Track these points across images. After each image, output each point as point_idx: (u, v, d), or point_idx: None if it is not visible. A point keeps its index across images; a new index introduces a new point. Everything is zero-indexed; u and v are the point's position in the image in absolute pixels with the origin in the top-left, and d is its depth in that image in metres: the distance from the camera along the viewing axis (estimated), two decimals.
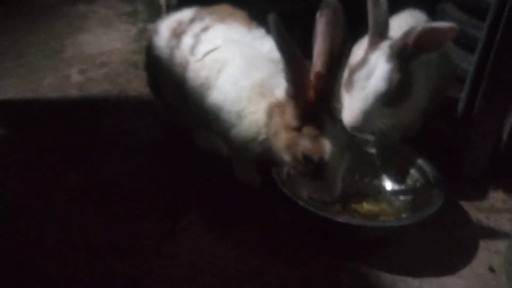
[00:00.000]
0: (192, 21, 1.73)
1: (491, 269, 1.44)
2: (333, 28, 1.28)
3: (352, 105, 1.42)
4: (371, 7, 1.47)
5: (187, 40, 1.68)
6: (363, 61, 1.44)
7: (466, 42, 2.27)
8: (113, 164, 1.84)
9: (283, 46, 1.24)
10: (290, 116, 1.35)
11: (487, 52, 1.56)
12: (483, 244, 1.53)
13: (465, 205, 1.69)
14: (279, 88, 1.40)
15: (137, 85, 2.38)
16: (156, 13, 2.86)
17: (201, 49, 1.63)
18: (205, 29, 1.68)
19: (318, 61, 1.31)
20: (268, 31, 1.62)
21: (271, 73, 1.49)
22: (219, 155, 1.84)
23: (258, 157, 1.55)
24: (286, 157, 1.39)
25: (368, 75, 1.41)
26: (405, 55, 1.42)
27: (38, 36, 2.91)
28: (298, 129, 1.34)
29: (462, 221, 1.62)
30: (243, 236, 1.52)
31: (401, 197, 1.58)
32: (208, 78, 1.58)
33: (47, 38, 2.89)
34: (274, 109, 1.42)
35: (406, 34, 1.42)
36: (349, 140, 1.37)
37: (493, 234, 1.57)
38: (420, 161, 1.62)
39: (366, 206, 1.56)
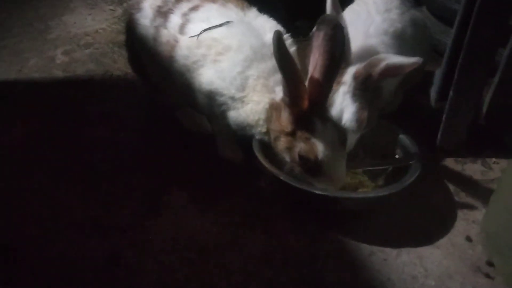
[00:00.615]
0: (178, 0, 1.71)
1: (468, 239, 1.48)
2: (333, 44, 1.33)
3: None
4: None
5: (175, 19, 1.66)
6: (331, 99, 1.49)
7: (448, 16, 2.28)
8: (97, 143, 1.85)
9: (283, 62, 1.30)
10: (285, 121, 1.42)
11: (465, 26, 1.56)
12: (460, 215, 1.56)
13: (444, 176, 1.72)
14: (279, 86, 1.46)
15: (122, 65, 2.37)
16: None
17: (193, 28, 1.61)
18: (194, 8, 1.66)
19: (316, 73, 1.36)
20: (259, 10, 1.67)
21: (274, 67, 1.50)
22: (203, 132, 1.85)
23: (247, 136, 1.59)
24: (287, 158, 1.46)
25: (338, 117, 1.49)
26: (369, 83, 1.48)
27: (23, 17, 2.88)
28: (293, 133, 1.41)
29: (440, 192, 1.65)
30: (225, 210, 1.55)
31: (380, 169, 1.60)
32: (204, 56, 1.57)
33: (31, 19, 2.86)
34: (272, 112, 1.48)
35: (370, 66, 1.46)
36: (341, 136, 1.42)
37: (470, 204, 1.60)
38: (398, 134, 1.64)
39: (345, 179, 1.59)
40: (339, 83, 1.50)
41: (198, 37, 1.58)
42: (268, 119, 1.49)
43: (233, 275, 1.34)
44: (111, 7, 3.04)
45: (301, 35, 2.68)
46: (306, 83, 1.38)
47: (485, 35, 1.54)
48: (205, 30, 1.58)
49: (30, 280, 1.33)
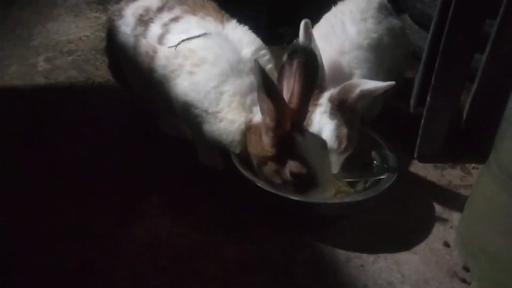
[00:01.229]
0: (160, 9, 1.69)
1: (446, 244, 1.47)
2: (308, 71, 1.33)
3: None
4: None
5: (155, 29, 1.65)
6: (308, 121, 1.49)
7: (429, 23, 2.29)
8: (76, 149, 1.83)
9: (269, 91, 1.29)
10: (268, 145, 1.41)
11: (440, 31, 1.57)
12: (439, 220, 1.56)
13: (423, 182, 1.72)
14: (256, 106, 1.45)
15: (104, 72, 2.35)
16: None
17: (172, 38, 1.60)
18: (175, 19, 1.65)
19: (294, 98, 1.37)
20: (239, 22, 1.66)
21: (251, 84, 1.51)
22: (183, 138, 1.84)
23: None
24: (278, 180, 1.44)
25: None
26: (344, 106, 1.48)
27: (5, 24, 2.86)
28: (278, 155, 1.40)
29: (419, 197, 1.65)
30: (201, 217, 1.53)
31: (357, 175, 1.60)
32: (181, 66, 1.56)
33: (14, 26, 2.83)
34: (251, 133, 1.47)
35: (344, 92, 1.47)
36: (321, 141, 1.43)
37: (449, 210, 1.60)
38: (377, 140, 1.64)
39: None
40: (315, 105, 1.50)
41: (176, 48, 1.57)
42: (247, 142, 1.48)
43: (208, 282, 1.32)
44: (96, 14, 3.03)
45: (285, 42, 2.70)
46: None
47: (460, 40, 1.56)
48: (183, 40, 1.57)
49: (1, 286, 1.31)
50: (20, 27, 2.83)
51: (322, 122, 1.48)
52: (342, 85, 1.48)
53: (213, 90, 1.51)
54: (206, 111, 1.52)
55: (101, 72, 2.37)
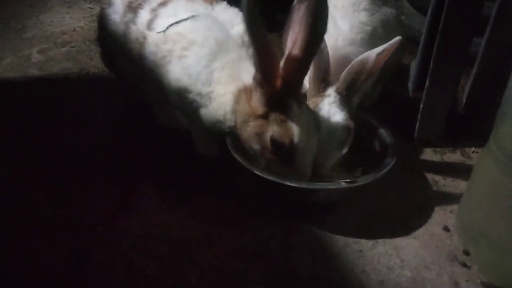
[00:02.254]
0: None
1: (446, 229, 1.46)
2: (316, 17, 1.22)
3: (318, 157, 1.42)
4: None
5: (144, 15, 1.62)
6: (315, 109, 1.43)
7: (427, 7, 2.26)
8: (70, 140, 1.81)
9: (253, 31, 1.20)
10: (257, 102, 1.35)
11: (438, 14, 1.54)
12: (438, 205, 1.54)
13: (423, 167, 1.69)
14: (247, 73, 1.39)
15: (98, 62, 2.32)
16: None
17: (161, 23, 1.57)
18: (163, 4, 1.62)
19: (296, 49, 1.25)
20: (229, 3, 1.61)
21: (240, 57, 1.47)
22: (179, 128, 1.82)
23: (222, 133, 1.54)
24: (255, 145, 1.38)
25: (329, 130, 1.41)
26: (352, 92, 1.44)
27: None
28: (265, 115, 1.34)
29: (418, 182, 1.63)
30: (197, 207, 1.52)
31: (356, 160, 1.57)
32: (170, 52, 1.52)
33: (7, 18, 2.80)
34: (241, 94, 1.41)
35: (356, 68, 1.41)
36: (316, 122, 1.37)
37: (449, 194, 1.58)
38: (375, 124, 1.62)
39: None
40: (323, 96, 1.44)
41: (164, 33, 1.54)
42: (236, 105, 1.42)
43: (205, 271, 1.31)
44: (90, 5, 3.00)
45: (281, 29, 2.66)
46: (282, 62, 1.29)
47: (458, 23, 1.52)
48: (171, 25, 1.54)
49: None
50: (14, 19, 2.80)
51: (331, 112, 1.42)
52: (349, 66, 1.42)
53: (204, 71, 1.47)
54: (200, 93, 1.48)
55: (95, 62, 2.34)
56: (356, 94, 1.49)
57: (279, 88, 1.31)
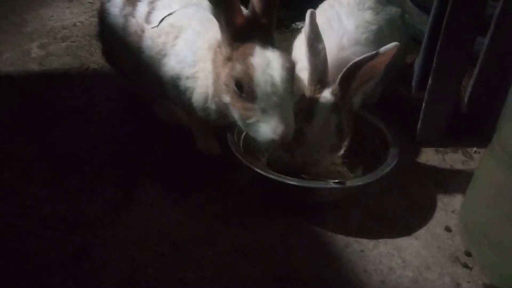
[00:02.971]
0: None
1: (448, 229, 1.45)
2: None
3: (308, 158, 1.41)
4: (309, 54, 1.40)
5: (142, 8, 1.62)
6: (311, 114, 1.39)
7: (430, 6, 2.25)
8: (71, 136, 1.80)
9: None
10: (224, 47, 1.33)
11: (441, 13, 1.53)
12: (440, 205, 1.54)
13: (424, 166, 1.69)
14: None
15: (98, 57, 2.30)
16: None
17: (157, 15, 1.57)
18: None
19: None
20: None
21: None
22: (179, 124, 1.81)
23: (217, 120, 1.51)
24: (226, 98, 1.34)
25: (321, 132, 1.38)
26: (347, 95, 1.40)
27: None
28: (230, 57, 1.31)
29: (420, 182, 1.62)
30: (198, 204, 1.51)
31: (358, 160, 1.57)
32: (165, 45, 1.52)
33: (6, 12, 2.78)
34: (217, 55, 1.38)
35: (346, 76, 1.37)
36: (286, 64, 1.28)
37: (450, 194, 1.58)
38: (378, 124, 1.61)
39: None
40: (318, 99, 1.41)
41: (158, 26, 1.54)
42: (213, 68, 1.39)
43: (205, 270, 1.30)
44: (90, 0, 2.98)
45: (284, 26, 2.65)
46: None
47: (461, 22, 1.52)
48: (163, 18, 1.54)
49: None
50: (13, 13, 2.78)
51: (326, 115, 1.38)
52: (344, 69, 1.39)
53: (189, 52, 1.46)
54: (187, 77, 1.47)
55: (95, 58, 2.32)
56: (354, 96, 1.46)
57: (242, 24, 1.29)
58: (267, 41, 1.30)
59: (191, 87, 1.49)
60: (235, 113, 1.34)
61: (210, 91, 1.44)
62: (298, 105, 1.45)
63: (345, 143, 1.45)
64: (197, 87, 1.48)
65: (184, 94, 1.51)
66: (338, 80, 1.39)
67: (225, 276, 1.28)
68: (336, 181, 1.37)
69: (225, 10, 1.27)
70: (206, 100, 1.47)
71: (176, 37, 1.51)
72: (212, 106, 1.46)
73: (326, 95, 1.40)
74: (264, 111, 1.27)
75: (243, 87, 1.27)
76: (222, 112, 1.44)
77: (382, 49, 1.34)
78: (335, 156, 1.46)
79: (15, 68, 2.25)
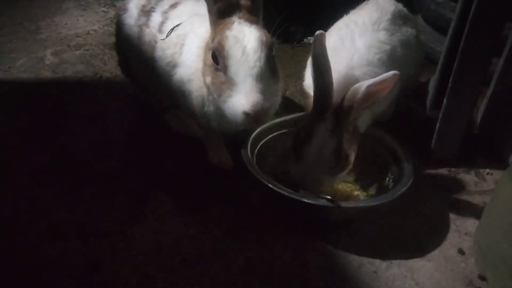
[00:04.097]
0: None
1: (461, 252, 1.44)
2: None
3: (306, 178, 1.40)
4: (314, 75, 1.38)
5: (156, 18, 1.65)
6: (310, 136, 1.38)
7: (442, 25, 2.26)
8: (83, 145, 1.81)
9: None
10: (210, 30, 1.38)
11: (459, 34, 1.53)
12: (453, 226, 1.52)
13: (437, 187, 1.68)
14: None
15: (112, 67, 2.33)
16: None
17: (169, 25, 1.60)
18: (173, 6, 1.65)
19: None
20: None
21: None
22: (191, 136, 1.81)
23: (219, 127, 1.52)
24: (207, 78, 1.36)
25: (317, 154, 1.37)
26: (350, 118, 1.37)
27: (13, 17, 2.84)
28: (213, 36, 1.35)
29: (432, 203, 1.61)
30: (210, 218, 1.50)
31: (371, 178, 1.56)
32: (173, 55, 1.55)
33: (22, 19, 2.82)
34: (205, 46, 1.42)
35: (348, 99, 1.35)
36: (262, 44, 1.30)
37: (463, 216, 1.56)
38: (391, 143, 1.60)
39: (337, 187, 1.55)
40: (320, 120, 1.39)
41: (166, 38, 1.58)
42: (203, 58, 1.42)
43: (217, 285, 1.29)
44: (104, 9, 3.01)
45: (295, 40, 2.67)
46: None
47: (479, 44, 1.52)
48: (171, 30, 1.57)
49: (7, 285, 1.28)
50: (28, 20, 2.81)
51: (324, 138, 1.37)
52: (347, 93, 1.37)
53: (189, 55, 1.49)
54: (189, 80, 1.49)
55: (109, 67, 2.34)
56: (359, 118, 1.43)
57: (225, 4, 1.34)
58: (248, 20, 1.35)
59: (188, 90, 1.51)
60: (212, 89, 1.36)
61: (205, 91, 1.45)
62: (302, 124, 1.46)
63: (348, 165, 1.42)
64: (193, 90, 1.49)
65: (187, 99, 1.53)
66: (340, 102, 1.37)
67: None
68: (329, 198, 1.37)
69: None
70: (203, 102, 1.48)
71: (182, 45, 1.54)
72: (210, 108, 1.47)
73: (328, 117, 1.38)
74: (235, 82, 1.29)
75: (218, 58, 1.30)
76: (221, 113, 1.42)
77: (383, 75, 1.31)
78: (335, 177, 1.43)
79: (29, 75, 2.28)
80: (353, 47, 1.55)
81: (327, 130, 1.37)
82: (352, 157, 1.42)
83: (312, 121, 1.40)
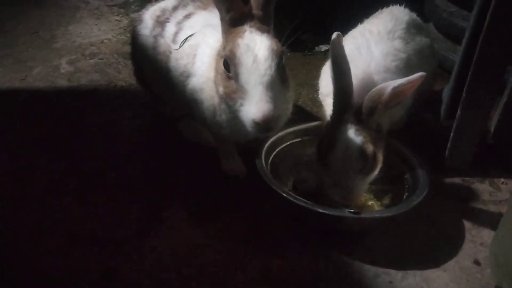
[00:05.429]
0: (175, 8, 1.72)
1: (477, 262, 1.43)
2: None
3: (337, 184, 1.40)
4: (335, 75, 1.40)
5: (170, 28, 1.67)
6: (333, 139, 1.39)
7: (455, 33, 2.26)
8: (98, 153, 1.83)
9: None
10: (222, 39, 1.40)
11: (473, 43, 1.54)
12: (468, 237, 1.52)
13: (452, 197, 1.67)
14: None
15: (126, 75, 2.36)
16: (148, 5, 2.83)
17: (183, 36, 1.62)
18: (187, 16, 1.67)
19: None
20: None
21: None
22: (205, 145, 1.82)
23: (232, 135, 1.53)
24: (221, 88, 1.37)
25: (344, 156, 1.37)
26: (372, 119, 1.39)
27: (29, 26, 2.89)
28: (225, 45, 1.37)
29: (447, 213, 1.60)
30: (226, 227, 1.51)
31: (386, 188, 1.56)
32: (186, 66, 1.57)
33: (37, 28, 2.86)
34: (217, 56, 1.43)
35: (372, 99, 1.37)
36: (273, 52, 1.31)
37: (478, 226, 1.55)
38: (406, 152, 1.60)
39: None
40: (342, 121, 1.41)
41: (179, 48, 1.59)
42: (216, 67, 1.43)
43: None
44: (117, 18, 3.05)
45: (307, 49, 2.68)
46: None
47: (494, 53, 1.52)
48: (184, 41, 1.59)
49: None
50: (43, 28, 2.86)
51: (348, 139, 1.38)
52: (369, 93, 1.39)
53: (201, 64, 1.51)
54: (200, 88, 1.50)
55: (123, 76, 2.37)
56: (381, 119, 1.45)
57: (238, 13, 1.36)
58: (260, 29, 1.36)
59: (200, 99, 1.52)
60: (225, 99, 1.37)
61: (216, 100, 1.46)
62: (322, 133, 1.46)
63: (377, 164, 1.43)
64: (205, 100, 1.51)
65: (199, 108, 1.54)
66: (364, 102, 1.39)
67: None
68: (352, 211, 1.36)
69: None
70: (214, 111, 1.49)
71: (195, 56, 1.55)
72: (222, 117, 1.48)
73: (349, 118, 1.40)
74: (246, 90, 1.30)
75: (230, 66, 1.32)
76: (232, 122, 1.45)
77: (410, 77, 1.35)
78: (365, 180, 1.44)
79: (45, 83, 2.31)
80: (370, 54, 1.58)
81: (350, 131, 1.38)
82: (380, 156, 1.43)
83: (333, 126, 1.42)
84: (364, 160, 1.38)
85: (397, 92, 1.36)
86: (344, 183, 1.40)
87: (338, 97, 1.42)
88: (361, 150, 1.37)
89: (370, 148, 1.38)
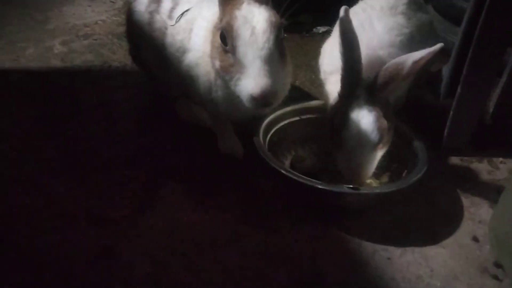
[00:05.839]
0: None
1: (475, 239, 1.43)
2: None
3: (351, 162, 1.38)
4: (344, 50, 1.37)
5: (166, 4, 1.65)
6: (346, 116, 1.37)
7: (454, 14, 2.24)
8: (93, 133, 1.80)
9: None
10: (219, 11, 1.37)
11: (473, 23, 1.52)
12: (467, 214, 1.51)
13: (451, 175, 1.66)
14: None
15: (121, 56, 2.32)
16: None
17: (179, 11, 1.59)
18: None
19: None
20: None
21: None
22: (201, 125, 1.80)
23: (228, 112, 1.51)
24: (216, 62, 1.35)
25: (358, 133, 1.35)
26: (384, 94, 1.37)
27: (21, 7, 2.83)
28: (222, 17, 1.34)
29: (446, 191, 1.60)
30: (222, 205, 1.50)
31: (383, 166, 1.54)
32: (182, 41, 1.54)
33: (30, 9, 2.81)
34: (214, 29, 1.41)
35: (390, 72, 1.34)
36: (271, 24, 1.27)
37: (477, 204, 1.55)
38: (403, 130, 1.59)
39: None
40: (352, 97, 1.39)
41: (175, 24, 1.57)
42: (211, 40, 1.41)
43: (230, 272, 1.28)
44: None
45: (304, 30, 2.64)
46: None
47: (494, 32, 1.50)
48: (180, 16, 1.56)
49: (20, 271, 1.27)
50: (36, 10, 2.80)
51: (360, 114, 1.35)
52: (385, 67, 1.36)
53: (197, 39, 1.48)
54: (196, 64, 1.48)
55: (117, 56, 2.33)
56: (389, 96, 1.43)
57: None
58: (257, 1, 1.33)
59: (196, 74, 1.49)
60: (222, 73, 1.34)
61: (212, 76, 1.44)
62: (333, 109, 1.44)
63: (388, 140, 1.41)
64: (201, 75, 1.48)
65: (194, 85, 1.51)
66: (378, 77, 1.37)
67: (250, 279, 1.26)
68: (351, 186, 1.35)
69: None
70: (210, 88, 1.47)
71: (191, 30, 1.52)
72: (218, 93, 1.45)
73: (360, 93, 1.37)
74: (244, 64, 1.27)
75: (227, 39, 1.29)
76: (228, 98, 1.43)
77: (431, 48, 1.33)
78: (378, 156, 1.41)
79: (38, 64, 2.27)
80: (373, 30, 1.56)
81: (363, 106, 1.36)
82: (392, 131, 1.41)
83: (344, 103, 1.39)
84: (380, 136, 1.35)
85: (417, 65, 1.33)
86: (358, 160, 1.37)
87: (348, 72, 1.39)
88: (376, 126, 1.35)
89: (384, 123, 1.36)
